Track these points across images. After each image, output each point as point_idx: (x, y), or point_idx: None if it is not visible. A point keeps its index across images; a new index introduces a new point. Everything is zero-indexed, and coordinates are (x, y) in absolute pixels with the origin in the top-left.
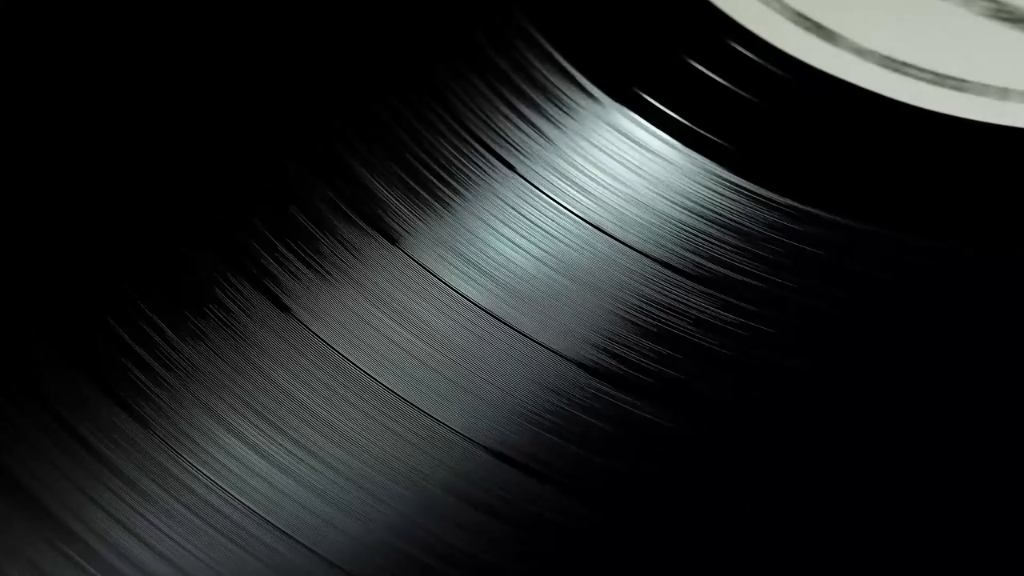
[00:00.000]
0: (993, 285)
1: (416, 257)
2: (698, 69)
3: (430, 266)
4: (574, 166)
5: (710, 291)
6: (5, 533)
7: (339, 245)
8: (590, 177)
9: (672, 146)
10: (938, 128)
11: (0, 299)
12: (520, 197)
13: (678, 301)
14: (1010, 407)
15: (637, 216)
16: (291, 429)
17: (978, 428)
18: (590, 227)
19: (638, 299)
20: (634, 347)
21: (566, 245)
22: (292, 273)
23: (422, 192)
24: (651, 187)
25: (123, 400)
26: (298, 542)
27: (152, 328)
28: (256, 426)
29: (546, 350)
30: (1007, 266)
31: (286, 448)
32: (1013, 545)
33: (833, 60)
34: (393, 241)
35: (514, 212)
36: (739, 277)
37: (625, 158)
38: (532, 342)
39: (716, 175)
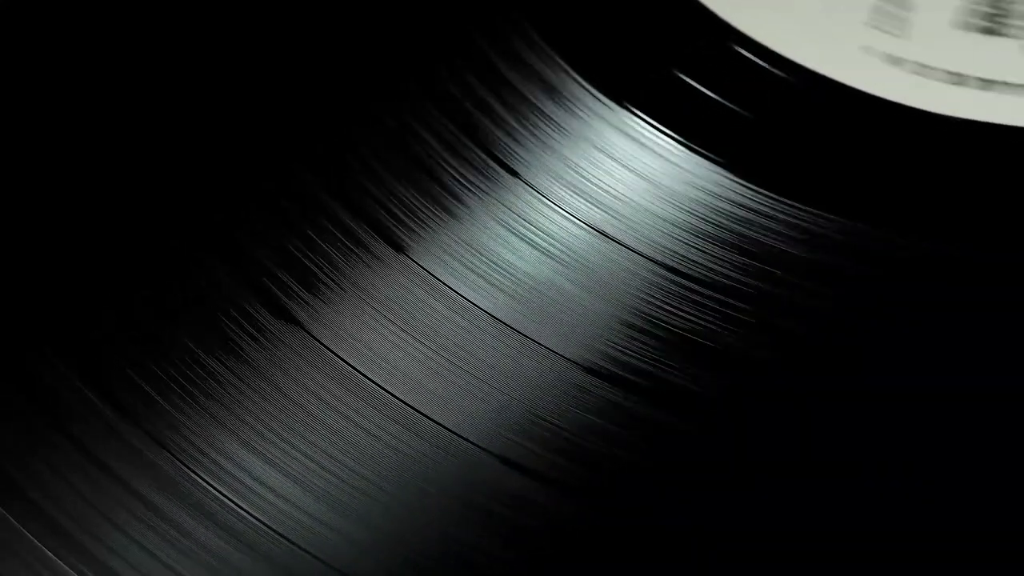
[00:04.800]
0: (993, 285)
1: (423, 265)
2: (700, 71)
3: (437, 273)
4: (579, 172)
5: (714, 293)
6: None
7: (343, 254)
8: (595, 183)
9: (676, 148)
10: (938, 128)
11: (4, 306)
12: (525, 204)
13: (682, 303)
14: (1011, 406)
15: (643, 220)
16: (300, 440)
17: (980, 428)
18: (595, 232)
19: (643, 302)
20: (639, 349)
21: (571, 250)
22: (296, 282)
23: (427, 199)
24: (656, 191)
25: (127, 407)
26: (305, 551)
27: (159, 339)
28: (264, 437)
29: (554, 354)
30: (1007, 266)
31: (296, 459)
32: (1015, 546)
33: (836, 64)
34: (399, 249)
35: (519, 218)
36: (745, 278)
37: (629, 162)
38: (538, 346)
39: (721, 177)
